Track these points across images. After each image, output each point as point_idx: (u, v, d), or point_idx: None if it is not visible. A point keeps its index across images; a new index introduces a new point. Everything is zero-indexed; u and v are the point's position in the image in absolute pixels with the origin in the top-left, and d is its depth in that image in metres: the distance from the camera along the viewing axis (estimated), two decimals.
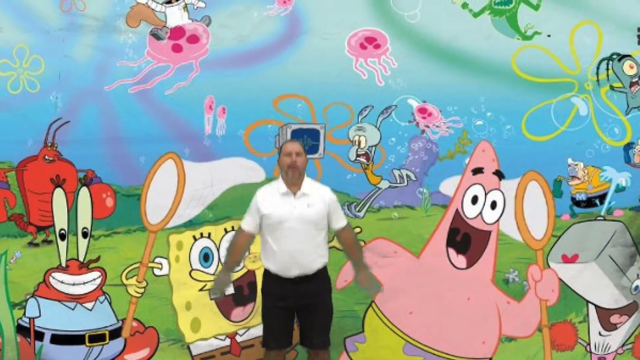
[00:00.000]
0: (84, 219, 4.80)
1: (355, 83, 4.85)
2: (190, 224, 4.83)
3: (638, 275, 4.90)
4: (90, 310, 4.81)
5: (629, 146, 4.89)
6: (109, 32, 4.81)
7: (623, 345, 4.93)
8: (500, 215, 4.87)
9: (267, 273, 4.30)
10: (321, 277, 4.28)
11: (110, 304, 4.82)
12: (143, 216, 4.81)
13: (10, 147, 4.74)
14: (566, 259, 4.86)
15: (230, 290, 4.47)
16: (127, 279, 4.82)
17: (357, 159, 4.85)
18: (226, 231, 4.84)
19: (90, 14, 4.80)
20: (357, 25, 4.87)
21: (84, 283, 4.81)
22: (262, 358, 4.46)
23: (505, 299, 4.88)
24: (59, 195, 4.79)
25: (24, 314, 4.77)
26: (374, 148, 4.85)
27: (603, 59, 4.90)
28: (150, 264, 4.82)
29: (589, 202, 4.89)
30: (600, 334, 4.90)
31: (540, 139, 4.87)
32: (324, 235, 4.26)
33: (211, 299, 4.65)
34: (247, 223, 4.29)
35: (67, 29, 4.80)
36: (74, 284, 4.80)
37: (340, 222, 4.31)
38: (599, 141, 4.89)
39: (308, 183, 4.28)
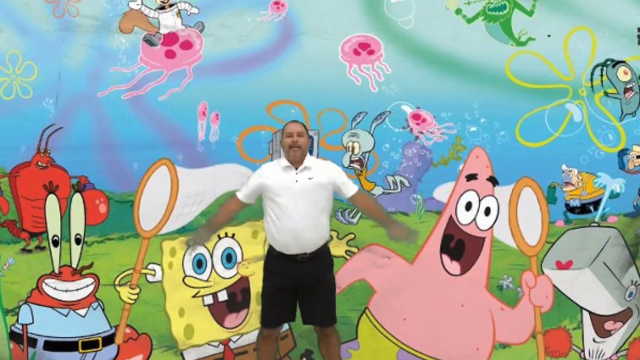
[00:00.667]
0: (77, 226, 4.80)
1: (349, 89, 4.84)
2: (184, 230, 4.82)
3: (632, 281, 4.89)
4: (84, 316, 4.80)
5: (623, 152, 4.88)
6: (102, 38, 4.80)
7: (617, 351, 4.92)
8: (494, 222, 4.86)
9: (270, 251, 4.31)
10: (323, 255, 4.27)
11: (103, 310, 4.81)
12: (136, 222, 4.80)
13: (3, 153, 4.74)
14: (560, 266, 4.85)
15: (203, 242, 4.48)
16: (120, 285, 4.81)
17: (351, 165, 4.84)
18: (219, 237, 4.83)
19: (83, 20, 4.79)
20: (350, 31, 4.86)
21: (77, 289, 4.80)
22: (257, 336, 4.47)
23: (499, 305, 4.87)
24: (52, 202, 4.78)
25: (17, 320, 4.77)
26: (367, 154, 4.85)
27: (597, 65, 4.88)
28: (144, 271, 4.81)
29: (583, 209, 4.88)
30: (594, 340, 4.89)
31: (534, 145, 4.86)
32: (326, 214, 4.25)
33: (187, 248, 4.55)
34: (242, 191, 4.31)
35: (60, 34, 4.79)
36: (67, 291, 4.79)
37: (351, 189, 4.28)
38: (593, 147, 4.87)
39: (310, 159, 4.29)
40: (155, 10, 4.83)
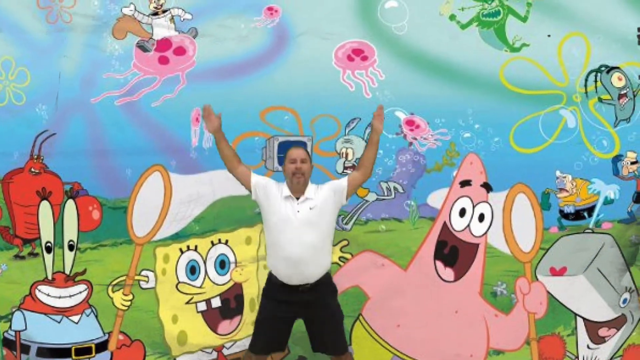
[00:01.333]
0: (70, 232, 4.79)
1: (342, 95, 4.82)
2: (177, 237, 4.81)
3: (626, 288, 4.88)
4: (77, 323, 4.79)
5: (617, 158, 4.87)
6: (95, 44, 4.79)
7: (611, 358, 4.91)
8: (488, 228, 4.85)
9: (270, 279, 4.28)
10: (324, 284, 4.25)
11: (96, 317, 4.80)
12: (129, 229, 4.79)
13: None
14: (554, 272, 4.84)
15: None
16: (113, 292, 4.80)
17: (345, 171, 4.82)
18: (213, 244, 4.83)
19: (76, 26, 4.78)
20: (344, 37, 4.85)
21: (70, 296, 4.80)
22: (243, 356, 4.45)
23: (493, 311, 4.86)
24: (45, 208, 4.77)
25: (10, 327, 4.76)
26: None
27: (591, 71, 4.87)
28: (137, 277, 4.80)
29: (577, 215, 4.87)
30: (588, 347, 4.89)
31: (528, 151, 4.85)
32: (329, 241, 4.25)
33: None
34: (255, 176, 4.29)
35: (53, 40, 4.78)
36: (60, 297, 4.79)
37: (343, 181, 4.29)
38: (587, 153, 4.86)
39: (312, 188, 4.26)
40: (148, 16, 4.82)
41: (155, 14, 4.82)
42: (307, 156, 4.27)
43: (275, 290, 4.23)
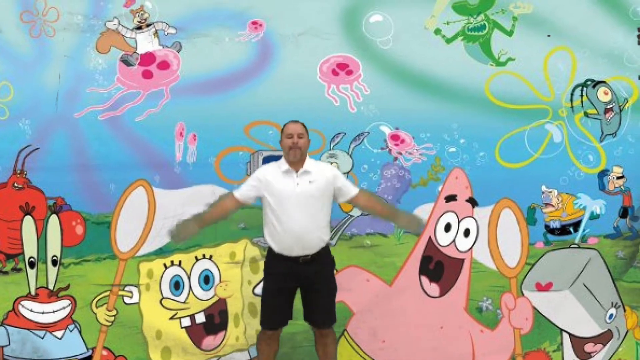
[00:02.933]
0: (54, 247, 4.77)
1: (327, 109, 4.81)
2: (161, 252, 4.79)
3: (612, 303, 4.85)
4: (60, 338, 4.77)
5: (603, 173, 4.85)
6: (79, 58, 4.77)
7: None
8: (474, 243, 4.83)
9: (269, 252, 4.29)
10: (324, 256, 4.26)
11: (80, 332, 4.78)
12: (113, 244, 4.77)
13: None
14: (540, 287, 4.82)
15: (189, 235, 4.26)
16: (97, 307, 4.78)
17: None
18: (197, 259, 4.80)
19: (59, 40, 4.76)
20: (329, 51, 4.83)
21: (54, 311, 4.77)
22: (258, 337, 4.46)
23: (479, 327, 4.84)
24: (28, 223, 4.75)
25: None
26: (346, 175, 4.81)
27: (577, 86, 4.85)
28: (121, 292, 4.78)
29: (563, 230, 4.85)
30: None
31: (513, 166, 4.83)
32: (326, 215, 4.24)
33: (169, 239, 4.39)
34: (240, 191, 4.26)
35: (37, 55, 4.77)
36: (43, 313, 4.77)
37: (352, 191, 4.28)
38: (573, 168, 4.84)
39: (310, 162, 4.27)
40: (132, 30, 4.80)
41: (139, 28, 4.80)
42: (304, 131, 4.26)
43: (276, 263, 4.24)
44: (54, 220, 4.76)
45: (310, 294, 4.27)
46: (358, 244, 4.82)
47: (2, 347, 4.74)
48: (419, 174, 4.83)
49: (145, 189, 4.78)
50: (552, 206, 4.83)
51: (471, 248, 4.83)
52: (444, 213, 4.83)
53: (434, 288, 4.82)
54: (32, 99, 4.75)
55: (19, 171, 4.73)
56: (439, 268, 4.82)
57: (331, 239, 4.78)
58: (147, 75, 4.80)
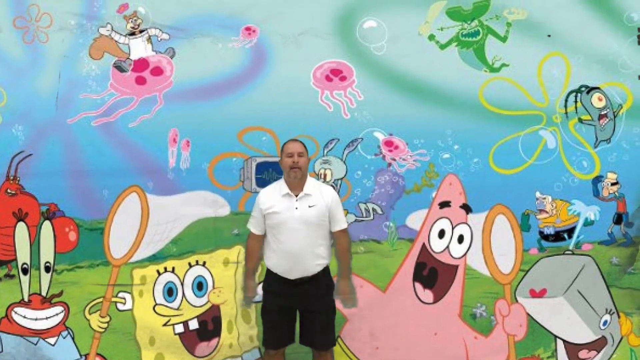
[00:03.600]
0: (47, 253, 4.76)
1: (321, 115, 4.80)
2: (154, 258, 4.78)
3: (607, 310, 4.84)
4: (53, 345, 4.76)
5: (597, 179, 4.84)
6: (72, 65, 4.76)
7: None
8: (468, 249, 4.82)
9: (268, 273, 4.30)
10: (322, 278, 4.26)
11: (73, 339, 4.77)
12: (106, 250, 4.76)
13: None
14: (534, 294, 4.81)
15: (258, 297, 4.43)
16: (90, 313, 4.77)
17: None
18: (190, 265, 4.79)
19: (53, 46, 4.75)
20: (322, 57, 4.82)
21: (47, 318, 4.76)
22: (263, 357, 4.48)
23: (473, 333, 4.83)
24: (21, 229, 4.74)
25: None
26: (339, 181, 4.81)
27: (571, 92, 4.84)
28: (114, 299, 4.77)
29: (557, 236, 4.84)
30: None
31: (507, 172, 4.82)
32: (326, 238, 4.24)
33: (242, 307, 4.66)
34: (253, 225, 4.31)
35: (30, 60, 4.76)
36: (36, 319, 4.76)
37: (338, 225, 4.27)
38: (567, 174, 4.83)
39: (311, 184, 4.26)
40: (125, 36, 4.79)
41: (133, 34, 4.80)
42: (304, 149, 4.26)
43: (274, 283, 4.25)
44: (47, 226, 4.75)
45: (307, 316, 4.25)
46: (352, 251, 4.79)
47: None
48: (413, 180, 4.82)
49: (139, 195, 4.77)
50: (546, 212, 4.82)
51: (465, 254, 4.82)
52: (437, 219, 4.82)
53: (428, 294, 4.81)
54: (26, 105, 4.74)
55: (12, 177, 4.72)
56: (432, 274, 4.81)
57: None
58: (141, 81, 4.79)
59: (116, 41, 4.79)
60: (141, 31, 4.80)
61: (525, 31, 4.85)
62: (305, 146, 4.29)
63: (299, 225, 4.13)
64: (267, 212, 4.19)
